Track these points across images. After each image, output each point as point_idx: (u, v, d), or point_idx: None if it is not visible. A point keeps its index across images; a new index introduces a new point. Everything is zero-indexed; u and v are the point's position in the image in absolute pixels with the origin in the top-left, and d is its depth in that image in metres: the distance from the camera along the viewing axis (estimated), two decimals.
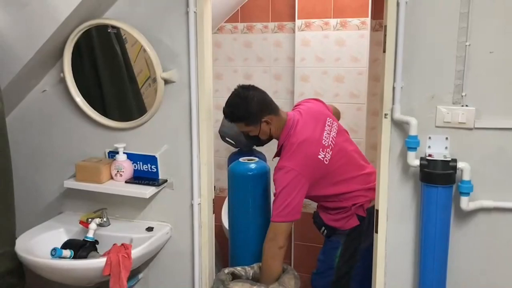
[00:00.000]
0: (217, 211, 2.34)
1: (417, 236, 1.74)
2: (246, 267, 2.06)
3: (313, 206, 2.45)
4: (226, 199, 2.96)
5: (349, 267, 2.10)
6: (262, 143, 2.16)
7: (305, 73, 2.82)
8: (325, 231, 2.14)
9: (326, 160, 1.97)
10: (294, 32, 2.81)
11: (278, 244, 1.94)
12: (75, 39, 2.02)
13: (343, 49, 2.71)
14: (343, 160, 2.03)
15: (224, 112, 2.06)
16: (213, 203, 2.13)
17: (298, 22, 2.76)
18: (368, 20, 2.64)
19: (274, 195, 1.97)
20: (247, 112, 1.99)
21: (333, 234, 2.13)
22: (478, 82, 1.61)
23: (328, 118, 2.09)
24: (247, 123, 2.02)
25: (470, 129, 1.64)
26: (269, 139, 2.11)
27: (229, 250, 2.32)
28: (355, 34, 2.68)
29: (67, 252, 1.88)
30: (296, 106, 2.26)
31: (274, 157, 2.16)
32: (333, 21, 2.70)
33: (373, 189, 1.91)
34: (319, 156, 1.96)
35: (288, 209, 1.92)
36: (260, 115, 1.99)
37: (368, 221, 2.02)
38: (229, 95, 2.06)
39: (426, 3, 1.62)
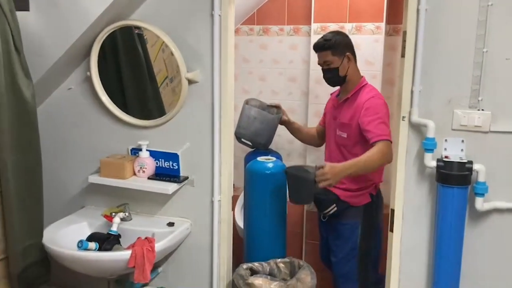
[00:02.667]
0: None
1: (432, 235, 1.80)
2: (263, 263, 2.12)
3: None
4: (239, 198, 3.03)
5: (369, 244, 2.22)
6: (334, 80, 2.25)
7: (320, 76, 2.85)
8: (335, 208, 2.19)
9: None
10: (309, 35, 2.87)
11: (389, 160, 1.96)
12: (102, 39, 2.09)
13: (358, 53, 2.72)
14: None
15: (315, 42, 2.24)
16: (232, 200, 2.19)
17: (314, 25, 2.82)
18: (383, 25, 2.69)
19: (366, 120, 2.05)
20: (337, 42, 2.18)
21: (342, 213, 2.20)
22: (494, 87, 1.67)
23: None
24: (334, 52, 2.18)
25: (486, 132, 1.70)
26: (343, 79, 2.22)
27: (244, 247, 2.38)
28: (370, 38, 2.74)
29: (92, 245, 1.94)
30: None
31: (343, 99, 2.26)
32: (348, 25, 2.76)
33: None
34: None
35: (389, 130, 2.03)
36: (345, 49, 2.20)
37: (377, 198, 2.23)
38: None
39: (445, 11, 1.68)
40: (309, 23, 2.86)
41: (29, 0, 1.97)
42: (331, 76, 2.23)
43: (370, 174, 2.16)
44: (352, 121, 2.15)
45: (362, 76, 2.28)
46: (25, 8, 1.97)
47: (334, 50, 2.18)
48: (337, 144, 2.27)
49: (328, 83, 2.30)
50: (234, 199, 2.97)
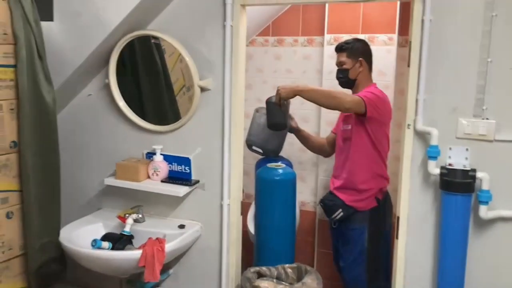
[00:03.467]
0: (243, 216, 2.45)
1: (436, 242, 1.82)
2: (271, 267, 2.16)
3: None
4: (252, 205, 3.08)
5: (377, 250, 2.24)
6: (345, 81, 2.37)
7: (332, 85, 2.90)
8: (341, 213, 2.25)
9: (389, 125, 2.31)
10: (323, 46, 2.92)
11: (351, 107, 2.13)
12: (121, 48, 2.20)
13: None
14: (387, 141, 2.31)
15: (338, 44, 2.40)
16: (241, 204, 2.25)
17: (327, 36, 2.88)
18: (395, 36, 2.73)
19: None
20: (354, 46, 2.33)
21: (348, 218, 2.25)
22: (498, 97, 1.70)
23: None
24: (349, 54, 2.32)
25: (490, 141, 1.72)
26: (352, 82, 2.35)
27: (254, 251, 2.42)
28: (383, 49, 2.78)
29: (106, 244, 2.02)
30: None
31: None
32: (361, 37, 2.79)
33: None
34: (391, 116, 2.32)
35: (369, 97, 2.15)
36: (361, 55, 2.32)
37: (384, 203, 2.26)
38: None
39: (449, 21, 1.72)
40: (323, 34, 2.92)
41: (53, 11, 2.10)
42: (342, 76, 2.34)
43: (375, 176, 2.24)
44: None
45: (374, 83, 2.35)
46: (50, 18, 2.09)
47: (350, 53, 2.33)
48: (343, 138, 2.35)
49: (339, 83, 2.42)
50: (247, 206, 3.03)
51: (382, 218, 2.27)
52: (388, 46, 2.76)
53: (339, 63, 2.38)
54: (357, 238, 2.24)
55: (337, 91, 2.25)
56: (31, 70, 1.93)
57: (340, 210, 2.25)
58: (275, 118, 2.30)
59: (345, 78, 2.34)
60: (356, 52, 2.33)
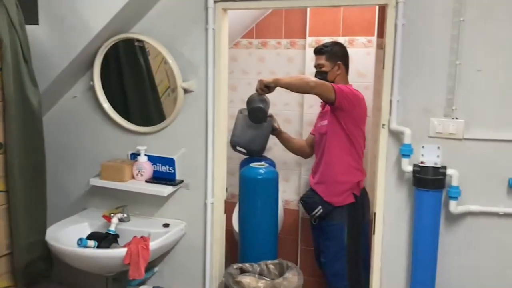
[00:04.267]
0: (228, 215, 2.52)
1: (411, 236, 1.90)
2: (253, 263, 2.22)
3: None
4: (237, 204, 3.14)
5: (357, 244, 2.32)
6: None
7: None
8: (321, 210, 2.34)
9: (365, 123, 2.39)
10: (305, 48, 3.00)
11: (311, 81, 2.26)
12: (105, 51, 2.25)
13: (351, 65, 2.85)
14: (363, 139, 2.40)
15: (317, 46, 2.51)
16: (225, 203, 2.31)
17: (309, 39, 2.95)
18: (374, 39, 2.81)
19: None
20: (333, 50, 2.44)
21: (328, 214, 2.33)
22: (467, 97, 1.78)
23: None
24: (328, 57, 2.42)
25: (460, 139, 1.81)
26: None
27: (238, 249, 2.48)
28: (362, 51, 2.85)
29: (91, 243, 2.07)
30: None
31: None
32: (341, 39, 2.87)
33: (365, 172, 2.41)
34: (367, 114, 2.41)
35: (341, 88, 2.25)
36: (338, 58, 2.43)
37: (362, 199, 2.35)
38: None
39: (421, 26, 1.81)
40: (305, 37, 2.99)
41: (38, 15, 2.14)
42: (321, 78, 2.40)
43: (349, 170, 2.32)
44: (327, 107, 2.35)
45: (350, 84, 2.43)
46: (35, 22, 2.14)
47: (329, 56, 2.43)
48: (320, 134, 2.44)
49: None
50: (232, 206, 3.09)
51: (360, 214, 2.34)
52: (368, 48, 2.84)
53: (317, 65, 2.46)
54: (337, 233, 2.32)
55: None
56: (17, 73, 1.97)
57: (320, 207, 2.32)
58: (255, 103, 2.37)
59: (323, 80, 2.39)
60: (334, 56, 2.43)
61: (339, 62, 2.42)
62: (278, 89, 3.10)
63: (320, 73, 2.43)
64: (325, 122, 2.40)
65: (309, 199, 2.39)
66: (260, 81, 2.33)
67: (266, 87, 2.31)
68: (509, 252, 1.80)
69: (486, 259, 1.83)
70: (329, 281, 2.42)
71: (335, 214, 2.32)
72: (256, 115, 2.41)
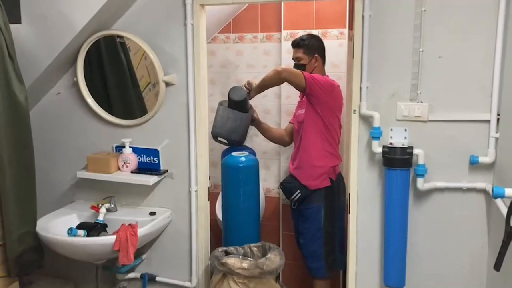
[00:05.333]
0: (211, 206, 2.62)
1: (383, 214, 2.04)
2: (237, 247, 2.33)
3: None
4: (220, 194, 3.24)
5: (333, 226, 2.46)
6: None
7: None
8: (299, 193, 2.46)
9: (341, 111, 2.51)
10: (280, 41, 3.11)
11: (282, 70, 2.43)
12: (87, 47, 2.32)
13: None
14: (339, 126, 2.53)
15: (294, 40, 2.60)
16: (208, 190, 2.41)
17: (284, 32, 3.07)
18: (346, 30, 2.95)
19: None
20: (310, 43, 2.54)
21: (306, 197, 2.46)
22: (430, 82, 1.92)
23: None
24: (305, 51, 2.53)
25: (425, 121, 1.95)
26: None
27: (222, 234, 2.59)
28: (335, 43, 2.99)
29: (81, 232, 2.15)
30: None
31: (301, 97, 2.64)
32: (315, 32, 3.00)
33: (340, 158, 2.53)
34: (343, 105, 2.53)
35: (312, 75, 2.38)
36: (316, 51, 2.55)
37: (337, 183, 2.48)
38: None
39: (386, 16, 1.94)
40: (280, 31, 3.10)
41: (21, 14, 2.20)
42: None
43: (325, 155, 2.45)
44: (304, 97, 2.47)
45: (327, 75, 2.55)
46: (17, 21, 2.20)
47: (306, 49, 2.54)
48: (298, 122, 2.56)
49: None
50: (215, 196, 3.19)
51: (336, 197, 2.48)
52: (340, 40, 2.98)
53: (296, 58, 2.57)
54: (315, 216, 2.45)
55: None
56: (3, 70, 2.03)
57: (298, 191, 2.45)
58: (240, 91, 2.60)
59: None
60: (312, 49, 2.54)
61: (316, 55, 2.54)
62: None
63: (299, 66, 2.54)
64: (302, 111, 2.52)
65: (288, 184, 2.52)
66: (251, 85, 2.57)
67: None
68: (471, 222, 1.95)
69: (452, 230, 1.98)
70: (307, 261, 2.56)
71: (312, 197, 2.45)
72: (238, 103, 2.62)
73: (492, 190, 1.46)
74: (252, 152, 2.79)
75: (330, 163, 2.45)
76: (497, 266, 1.44)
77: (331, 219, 2.46)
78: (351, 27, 3.01)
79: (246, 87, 2.62)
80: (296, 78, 2.35)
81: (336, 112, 2.48)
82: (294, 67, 2.57)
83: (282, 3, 3.03)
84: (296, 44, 2.58)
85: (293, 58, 2.61)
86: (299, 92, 2.72)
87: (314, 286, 2.56)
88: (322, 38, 3.00)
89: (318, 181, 2.44)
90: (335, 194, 2.47)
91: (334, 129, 2.47)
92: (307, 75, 2.34)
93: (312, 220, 2.46)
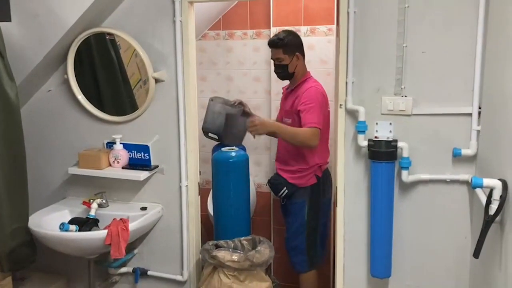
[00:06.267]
0: (203, 201, 2.66)
1: (369, 205, 2.08)
2: (228, 240, 2.37)
3: None
4: (212, 190, 3.28)
5: (316, 221, 2.49)
6: (283, 75, 2.54)
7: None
8: (286, 191, 2.49)
9: (327, 112, 2.47)
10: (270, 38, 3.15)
11: (315, 143, 2.32)
12: (77, 45, 2.34)
13: (313, 53, 3.04)
14: (327, 125, 2.51)
15: (271, 40, 2.50)
16: (199, 185, 2.45)
17: (273, 29, 3.10)
18: (334, 27, 2.99)
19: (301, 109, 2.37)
20: (289, 41, 2.45)
21: (292, 194, 2.49)
22: (414, 77, 1.97)
23: None
24: (285, 51, 2.44)
25: (409, 115, 1.99)
26: (290, 76, 2.52)
27: (213, 229, 2.63)
28: (323, 39, 3.03)
29: (73, 227, 2.18)
30: None
31: (288, 88, 2.61)
32: (303, 28, 3.05)
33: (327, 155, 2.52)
34: (328, 103, 2.50)
35: (320, 119, 2.34)
36: (296, 49, 2.47)
37: (324, 179, 2.50)
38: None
39: (370, 12, 1.98)
40: (269, 27, 3.14)
41: (11, 12, 2.22)
42: (281, 71, 2.52)
43: (308, 156, 2.45)
44: (293, 108, 2.45)
45: (308, 71, 2.57)
46: (7, 19, 2.21)
47: (286, 49, 2.46)
48: (285, 123, 2.54)
49: (278, 77, 2.60)
50: (207, 192, 3.23)
51: (321, 193, 2.52)
52: (328, 36, 3.02)
53: (276, 59, 2.50)
54: (298, 211, 2.49)
55: (298, 130, 2.36)
56: None
57: (285, 188, 2.49)
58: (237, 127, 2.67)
59: (284, 73, 2.51)
60: (291, 47, 2.46)
61: (297, 53, 2.48)
62: (245, 77, 3.25)
63: (280, 67, 2.49)
64: (289, 121, 2.50)
65: (275, 181, 2.54)
66: (255, 127, 2.40)
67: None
68: (455, 213, 2.00)
69: (436, 221, 2.03)
70: (290, 255, 2.59)
71: (298, 194, 2.49)
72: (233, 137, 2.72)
73: (471, 181, 1.52)
74: (243, 148, 2.82)
75: (317, 162, 2.47)
76: (476, 253, 1.49)
77: (314, 214, 2.49)
78: (339, 24, 3.06)
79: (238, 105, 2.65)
80: (318, 137, 2.33)
81: (325, 116, 2.46)
82: (275, 69, 2.54)
83: (271, 0, 3.06)
84: (274, 44, 2.48)
85: (272, 59, 2.53)
86: (283, 85, 2.72)
87: (300, 279, 2.60)
88: (310, 34, 3.05)
89: (304, 179, 2.48)
90: (320, 190, 2.51)
91: (323, 133, 2.42)
92: (319, 126, 2.31)
93: (295, 215, 2.50)
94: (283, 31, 2.56)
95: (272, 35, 3.11)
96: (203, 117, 2.83)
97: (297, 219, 2.50)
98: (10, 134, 2.16)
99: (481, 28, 1.83)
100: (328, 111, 2.53)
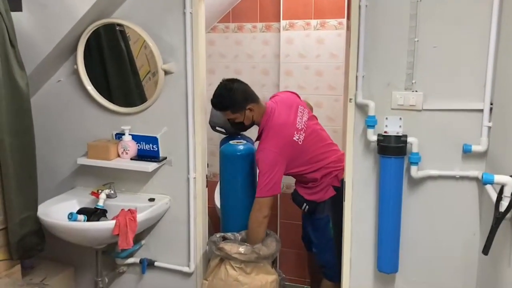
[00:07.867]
0: (210, 194, 2.66)
1: (377, 201, 2.07)
2: (235, 233, 2.38)
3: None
4: (219, 183, 3.29)
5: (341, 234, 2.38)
6: (245, 128, 2.47)
7: (289, 68, 3.15)
8: (307, 206, 2.44)
9: (300, 141, 2.31)
10: (279, 31, 3.13)
11: (263, 214, 2.27)
12: (87, 36, 2.35)
13: (323, 47, 3.03)
14: (314, 140, 2.38)
15: (212, 103, 2.35)
16: (207, 178, 2.45)
17: (283, 22, 3.09)
18: (344, 21, 2.97)
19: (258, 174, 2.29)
20: (233, 101, 2.29)
21: (315, 209, 2.43)
22: (425, 71, 1.95)
23: (299, 106, 2.43)
24: (233, 111, 2.31)
25: (419, 110, 1.97)
26: (252, 124, 2.41)
27: (220, 221, 2.64)
28: (333, 33, 3.01)
29: (81, 217, 2.19)
30: (272, 97, 2.60)
31: (256, 140, 2.49)
32: (313, 22, 3.03)
33: (343, 162, 2.25)
34: (294, 138, 2.30)
35: (269, 185, 2.24)
36: (244, 104, 2.30)
37: (343, 190, 2.33)
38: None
39: (382, 6, 1.96)
40: (279, 20, 3.13)
41: (22, 2, 2.22)
42: (239, 127, 2.44)
43: (319, 169, 2.36)
44: None
45: (265, 109, 2.37)
46: (18, 9, 2.22)
47: (233, 109, 2.30)
48: None
49: (239, 131, 2.58)
50: (214, 185, 3.24)
51: (342, 204, 2.30)
52: (338, 30, 3.00)
53: (228, 119, 2.38)
54: (323, 227, 2.41)
55: (250, 230, 2.31)
56: (4, 57, 2.06)
57: (305, 204, 2.43)
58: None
59: (243, 128, 2.43)
60: (240, 105, 2.29)
61: (247, 107, 2.30)
62: (254, 71, 3.23)
63: (237, 125, 2.39)
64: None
65: (295, 199, 2.48)
66: None
67: None
68: (464, 210, 1.99)
69: (444, 217, 2.01)
70: (321, 270, 2.50)
71: (320, 209, 2.40)
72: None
73: (482, 177, 1.50)
74: (250, 141, 2.82)
75: (316, 176, 2.37)
76: (486, 250, 1.48)
77: (340, 228, 2.29)
78: (349, 17, 3.04)
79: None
80: (272, 200, 2.27)
81: (295, 155, 2.32)
82: (232, 126, 2.45)
83: None
84: (219, 108, 2.33)
85: (227, 118, 2.39)
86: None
87: (322, 285, 2.53)
88: (320, 28, 3.03)
89: (320, 194, 2.39)
90: (341, 202, 2.30)
91: (311, 157, 2.35)
92: (265, 193, 2.23)
93: (321, 230, 2.43)
94: (223, 86, 2.35)
95: (282, 28, 3.11)
96: (210, 110, 2.83)
97: (323, 235, 2.42)
98: (20, 123, 2.18)
99: (494, 22, 1.80)
100: (304, 127, 2.36)
